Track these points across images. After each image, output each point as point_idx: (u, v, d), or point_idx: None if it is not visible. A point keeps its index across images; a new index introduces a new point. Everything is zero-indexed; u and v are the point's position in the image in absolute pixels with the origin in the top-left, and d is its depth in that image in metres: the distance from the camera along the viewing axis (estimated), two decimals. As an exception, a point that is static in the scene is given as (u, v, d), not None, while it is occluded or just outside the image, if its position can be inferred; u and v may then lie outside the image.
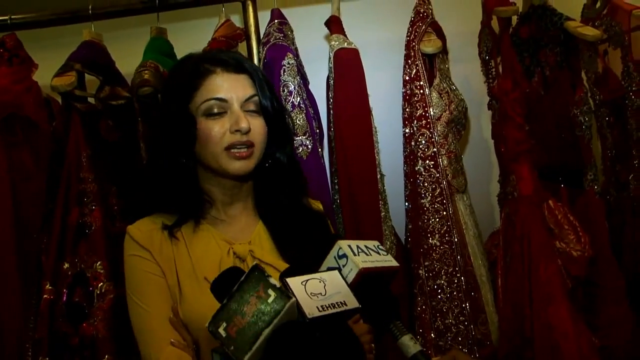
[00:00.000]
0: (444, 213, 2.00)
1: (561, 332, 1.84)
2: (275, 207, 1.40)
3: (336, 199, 2.06)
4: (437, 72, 2.13)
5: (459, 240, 2.01)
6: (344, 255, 1.06)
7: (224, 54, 1.37)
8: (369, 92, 2.04)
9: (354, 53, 1.99)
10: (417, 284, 2.01)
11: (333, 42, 2.02)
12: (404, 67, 2.13)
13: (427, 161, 2.03)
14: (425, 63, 2.10)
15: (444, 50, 2.20)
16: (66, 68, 1.95)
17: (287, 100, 1.90)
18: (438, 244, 1.99)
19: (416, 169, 2.04)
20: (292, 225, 1.37)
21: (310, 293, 0.95)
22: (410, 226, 2.10)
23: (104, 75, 2.03)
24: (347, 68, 1.98)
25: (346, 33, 2.13)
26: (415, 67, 2.07)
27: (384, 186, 2.09)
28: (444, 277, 1.97)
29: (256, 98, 1.33)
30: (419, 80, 2.06)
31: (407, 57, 2.12)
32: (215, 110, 1.29)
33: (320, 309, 0.93)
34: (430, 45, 2.07)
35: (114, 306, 1.80)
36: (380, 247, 1.13)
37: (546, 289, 1.88)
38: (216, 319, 0.93)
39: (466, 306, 1.95)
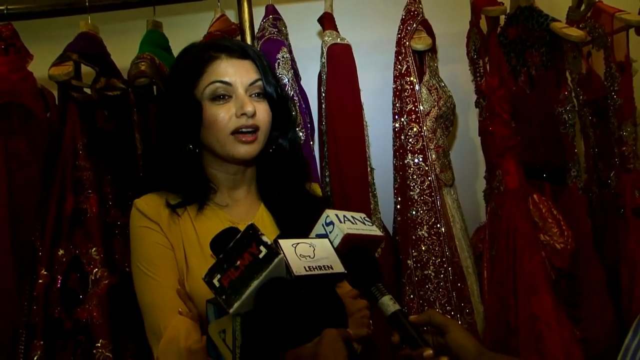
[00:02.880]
0: (432, 205, 2.05)
1: (544, 322, 1.89)
2: (278, 192, 1.43)
3: (327, 191, 2.10)
4: (427, 69, 2.18)
5: (447, 232, 2.06)
6: (331, 223, 1.12)
7: (227, 41, 1.40)
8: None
9: (347, 49, 2.04)
10: (405, 274, 2.06)
11: (326, 38, 2.07)
12: (395, 63, 2.18)
13: (417, 154, 2.08)
14: (415, 60, 2.15)
15: (433, 49, 2.26)
16: (63, 58, 1.96)
17: (282, 93, 1.94)
18: (426, 235, 2.04)
19: (405, 162, 2.09)
20: (293, 209, 1.40)
21: (300, 254, 1.01)
22: (399, 218, 2.14)
23: (100, 67, 2.04)
24: (340, 63, 2.02)
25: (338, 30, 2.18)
26: (406, 64, 2.13)
27: (373, 179, 2.14)
28: (431, 267, 2.02)
29: (260, 83, 1.36)
30: (410, 76, 2.12)
31: (397, 53, 2.18)
32: (221, 93, 1.32)
33: (307, 269, 0.99)
34: (420, 42, 2.13)
35: (108, 292, 1.81)
36: (366, 218, 1.19)
37: (530, 279, 1.93)
38: (211, 271, 0.98)
39: (453, 296, 2.00)
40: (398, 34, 2.19)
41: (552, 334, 1.88)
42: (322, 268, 1.02)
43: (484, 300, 2.05)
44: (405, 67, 2.13)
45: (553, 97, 2.14)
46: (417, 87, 2.11)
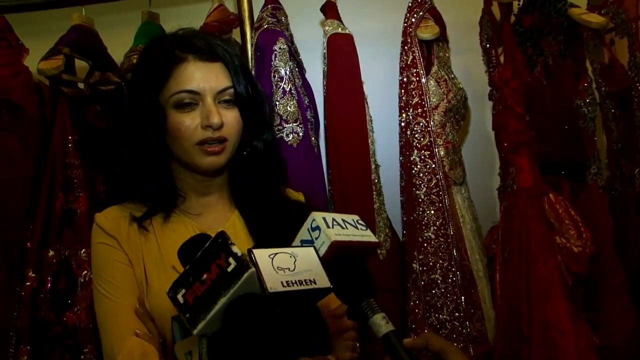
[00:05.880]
0: (440, 205, 1.94)
1: (559, 330, 1.77)
2: (252, 196, 1.33)
3: (329, 190, 2.01)
4: (435, 59, 2.07)
5: (455, 233, 1.96)
6: (317, 228, 0.99)
7: (197, 39, 1.27)
8: (365, 80, 2.00)
9: (348, 38, 1.95)
10: (410, 278, 1.95)
11: (327, 27, 1.98)
12: (401, 54, 2.07)
13: (423, 151, 1.97)
14: (422, 50, 2.04)
15: (444, 39, 2.15)
16: (54, 52, 1.91)
17: (278, 86, 1.85)
18: (433, 236, 1.93)
19: (411, 159, 1.98)
20: (268, 214, 1.30)
21: (277, 267, 0.89)
22: (405, 219, 2.04)
23: (94, 60, 1.99)
24: (340, 54, 1.93)
25: (342, 20, 2.08)
26: (412, 54, 2.02)
27: (378, 177, 2.04)
28: (438, 271, 1.91)
29: (231, 90, 1.25)
30: (415, 68, 2.00)
31: (403, 43, 2.07)
32: (186, 102, 1.22)
33: (285, 284, 0.87)
34: (427, 31, 2.01)
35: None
36: (360, 221, 1.05)
37: (544, 285, 1.81)
38: (176, 285, 0.88)
39: (461, 302, 1.90)
40: (404, 22, 2.07)
41: (567, 342, 1.76)
42: (303, 283, 0.90)
43: (496, 307, 1.94)
44: (411, 58, 2.01)
45: (571, 89, 2.00)
46: (423, 80, 2.00)
